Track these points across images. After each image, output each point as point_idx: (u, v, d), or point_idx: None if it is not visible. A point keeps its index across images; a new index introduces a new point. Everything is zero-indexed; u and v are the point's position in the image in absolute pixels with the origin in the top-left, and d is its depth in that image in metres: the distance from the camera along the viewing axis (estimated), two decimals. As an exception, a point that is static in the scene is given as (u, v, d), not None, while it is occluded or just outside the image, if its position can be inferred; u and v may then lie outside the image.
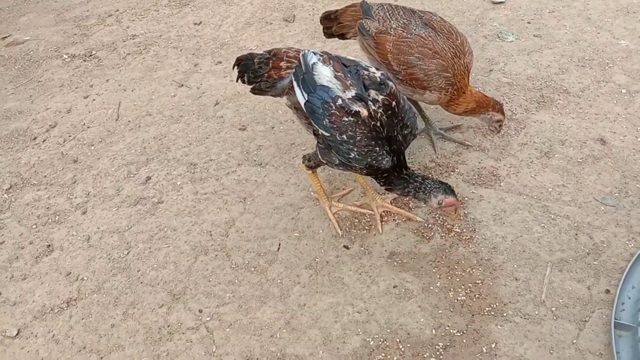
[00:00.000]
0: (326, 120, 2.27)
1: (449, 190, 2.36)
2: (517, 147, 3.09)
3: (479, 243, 2.66)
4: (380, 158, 2.29)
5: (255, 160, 3.21)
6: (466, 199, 2.85)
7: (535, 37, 3.80)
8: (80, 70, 4.09)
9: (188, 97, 3.73)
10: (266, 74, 2.58)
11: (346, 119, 2.24)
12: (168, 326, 2.48)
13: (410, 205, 2.85)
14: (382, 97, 2.27)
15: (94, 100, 3.80)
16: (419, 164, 3.04)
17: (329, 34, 3.16)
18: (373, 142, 2.26)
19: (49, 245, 2.89)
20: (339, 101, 2.25)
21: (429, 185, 2.36)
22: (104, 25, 4.56)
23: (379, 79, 2.31)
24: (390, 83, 2.33)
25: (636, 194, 2.78)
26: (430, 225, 2.76)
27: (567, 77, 3.47)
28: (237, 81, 2.72)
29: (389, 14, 2.84)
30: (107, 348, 2.43)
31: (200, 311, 2.52)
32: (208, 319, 2.49)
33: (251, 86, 2.67)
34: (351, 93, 2.25)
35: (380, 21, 2.83)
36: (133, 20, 4.59)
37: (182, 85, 3.83)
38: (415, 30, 2.76)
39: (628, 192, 2.80)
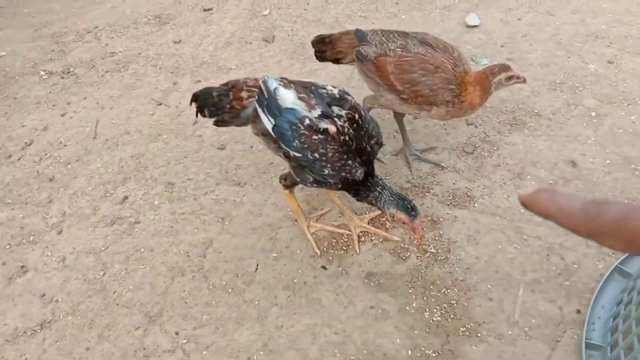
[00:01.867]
0: (296, 141, 2.30)
1: (401, 206, 2.33)
2: (490, 168, 3.16)
3: (454, 263, 2.70)
4: (353, 171, 2.33)
5: (233, 180, 3.22)
6: (441, 219, 2.90)
7: (508, 61, 3.90)
8: (57, 87, 4.07)
9: (167, 115, 3.73)
10: (228, 106, 2.60)
11: (316, 137, 2.27)
12: (144, 349, 2.46)
13: (387, 226, 2.89)
14: (345, 111, 2.32)
15: (71, 117, 3.78)
16: (396, 185, 3.09)
17: (322, 57, 3.16)
18: (345, 156, 2.30)
19: (23, 265, 2.85)
20: (307, 121, 2.28)
21: (385, 197, 2.37)
22: (83, 42, 4.54)
23: (337, 95, 2.36)
24: (349, 97, 2.38)
25: (605, 215, 2.86)
26: (406, 246, 2.80)
27: (538, 100, 3.57)
28: (196, 116, 2.71)
29: (385, 38, 2.88)
30: (81, 371, 2.40)
31: (176, 333, 2.51)
32: (185, 341, 2.48)
33: (213, 119, 2.67)
34: (317, 112, 2.30)
35: (378, 45, 2.86)
36: (112, 38, 4.58)
37: (161, 103, 3.84)
38: (413, 49, 2.79)
39: (597, 214, 2.87)
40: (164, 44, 4.45)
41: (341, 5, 4.70)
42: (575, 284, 2.58)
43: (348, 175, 2.33)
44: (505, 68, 2.74)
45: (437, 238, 2.81)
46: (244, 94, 2.59)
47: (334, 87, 2.43)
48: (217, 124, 2.69)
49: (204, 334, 2.50)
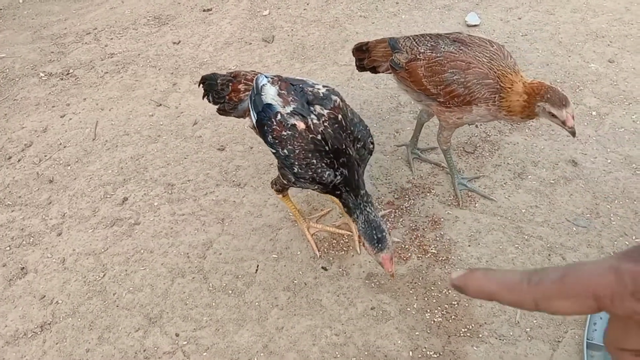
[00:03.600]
0: (269, 136, 2.32)
1: (367, 235, 2.20)
2: (491, 168, 3.15)
3: (455, 264, 2.69)
4: (320, 171, 2.26)
5: (233, 181, 3.21)
6: (442, 219, 2.89)
7: (508, 60, 3.89)
8: (57, 89, 4.06)
9: (166, 116, 3.73)
10: (227, 96, 2.67)
11: (285, 133, 2.26)
12: (144, 350, 2.46)
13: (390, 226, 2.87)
14: (327, 110, 2.28)
15: (70, 119, 3.78)
16: (396, 185, 3.08)
17: (361, 66, 3.05)
18: (310, 155, 2.25)
19: (23, 267, 2.85)
20: (279, 116, 2.28)
21: (360, 222, 2.25)
22: (82, 44, 4.54)
23: (322, 94, 2.33)
24: (335, 97, 2.33)
25: (607, 214, 2.85)
26: (407, 246, 2.79)
27: (539, 100, 3.55)
28: (203, 98, 2.80)
29: (416, 42, 2.74)
30: (81, 374, 2.40)
31: (177, 335, 2.50)
32: (185, 342, 2.47)
33: (217, 107, 2.76)
34: (290, 108, 2.28)
35: (408, 51, 2.73)
36: (111, 39, 4.58)
37: (161, 104, 3.83)
38: (444, 48, 2.64)
39: (599, 213, 2.87)
40: (163, 45, 4.44)
41: (341, 5, 4.69)
42: (576, 284, 2.56)
43: (315, 175, 2.27)
44: (557, 102, 2.32)
45: (438, 238, 2.80)
46: (241, 87, 2.62)
47: (325, 86, 2.40)
48: (219, 112, 2.76)
49: (204, 335, 2.49)
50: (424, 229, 2.85)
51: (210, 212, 3.04)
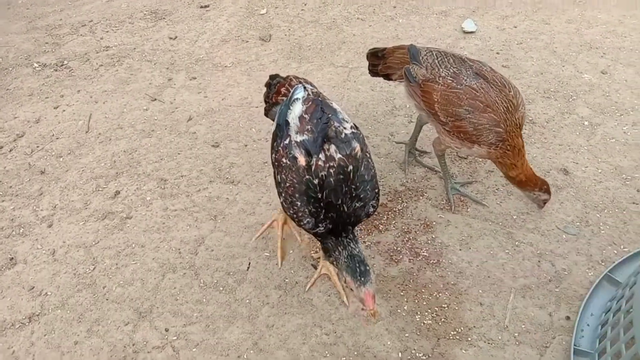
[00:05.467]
0: (274, 154, 2.23)
1: (350, 268, 2.10)
2: (484, 174, 3.17)
3: (446, 267, 2.71)
4: (300, 215, 2.12)
5: (227, 178, 3.21)
6: (434, 223, 2.91)
7: (503, 68, 3.93)
8: (50, 80, 4.03)
9: (161, 111, 3.71)
10: (272, 96, 2.63)
11: (284, 161, 2.14)
12: (133, 344, 2.44)
13: (380, 228, 2.89)
14: (340, 156, 2.09)
15: (64, 110, 3.75)
16: (390, 187, 3.10)
17: (374, 72, 3.01)
18: (297, 195, 2.10)
19: (12, 258, 2.82)
20: (287, 141, 2.15)
21: (342, 257, 2.15)
22: (77, 35, 4.51)
23: (344, 136, 2.14)
24: (356, 145, 2.13)
25: (596, 223, 2.89)
26: (399, 248, 2.80)
27: (533, 108, 3.59)
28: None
29: (438, 62, 2.67)
30: (69, 366, 2.38)
31: (166, 330, 2.49)
32: (174, 338, 2.46)
33: (265, 105, 2.74)
34: (301, 137, 2.12)
35: (429, 68, 2.66)
36: (107, 32, 4.55)
37: (155, 99, 3.82)
38: (465, 80, 2.57)
39: (588, 222, 2.90)
40: (159, 40, 4.43)
41: (338, 6, 4.71)
42: (565, 290, 2.60)
43: (294, 215, 2.14)
44: (549, 193, 2.74)
45: (429, 242, 2.82)
46: (283, 90, 2.54)
47: (354, 128, 2.21)
48: (265, 110, 2.74)
49: (194, 331, 2.48)
50: (416, 232, 2.87)
51: (203, 208, 3.04)
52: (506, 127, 2.53)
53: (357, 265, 2.08)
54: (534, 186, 2.69)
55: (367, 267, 2.08)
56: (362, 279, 2.05)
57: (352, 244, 2.16)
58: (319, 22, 4.52)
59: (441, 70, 2.63)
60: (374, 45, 4.19)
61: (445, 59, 2.67)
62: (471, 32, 4.29)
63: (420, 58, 2.71)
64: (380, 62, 2.95)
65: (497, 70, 2.66)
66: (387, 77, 2.95)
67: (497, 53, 4.08)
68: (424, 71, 2.67)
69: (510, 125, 2.53)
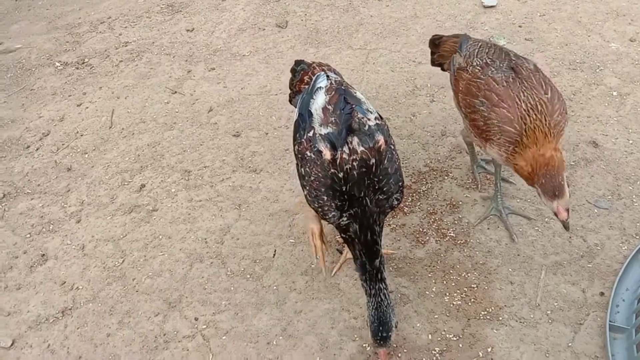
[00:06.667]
0: (297, 146, 2.18)
1: (371, 328, 2.08)
2: (510, 150, 3.10)
3: (474, 247, 2.67)
4: (326, 209, 2.07)
5: (249, 167, 3.21)
6: (460, 203, 2.86)
7: (526, 41, 3.83)
8: (72, 78, 4.08)
9: (181, 103, 3.73)
10: (296, 84, 2.60)
11: (309, 154, 2.09)
12: (164, 335, 2.47)
13: (405, 210, 2.86)
14: (362, 149, 2.02)
15: (87, 108, 3.79)
16: (413, 169, 3.05)
17: (433, 60, 2.89)
18: (323, 189, 2.05)
19: (43, 254, 2.88)
20: (311, 133, 2.09)
21: (370, 308, 2.10)
22: (96, 33, 4.55)
23: (367, 128, 2.07)
24: (379, 137, 2.06)
25: (628, 196, 2.80)
26: (425, 230, 2.76)
27: (558, 80, 3.49)
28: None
29: (478, 51, 2.50)
30: (103, 357, 2.42)
31: (196, 319, 2.51)
32: (204, 326, 2.49)
33: (290, 92, 2.71)
34: (325, 130, 2.07)
35: (466, 57, 2.51)
36: (125, 27, 4.58)
37: (176, 92, 3.83)
38: (491, 72, 2.36)
39: (620, 195, 2.82)
40: (177, 32, 4.43)
41: (355, -11, 4.64)
42: (598, 266, 2.53)
43: (319, 209, 2.09)
44: (549, 191, 2.14)
45: (456, 222, 2.78)
46: (306, 78, 2.50)
47: (378, 119, 2.14)
48: (290, 96, 2.70)
49: (223, 319, 2.50)
50: (442, 213, 2.83)
51: (227, 198, 3.04)
52: (524, 128, 2.20)
53: (381, 328, 2.06)
54: (535, 178, 2.20)
55: (390, 333, 2.06)
56: (381, 342, 2.08)
57: (382, 292, 2.10)
58: (335, 5, 4.47)
59: (475, 59, 2.45)
60: (391, 25, 4.15)
61: (486, 49, 2.48)
62: (491, 7, 4.18)
63: (464, 47, 2.54)
64: (437, 51, 2.83)
65: (542, 67, 2.33)
66: (441, 66, 2.81)
67: (519, 26, 3.97)
68: (461, 60, 2.51)
69: (532, 129, 2.18)
